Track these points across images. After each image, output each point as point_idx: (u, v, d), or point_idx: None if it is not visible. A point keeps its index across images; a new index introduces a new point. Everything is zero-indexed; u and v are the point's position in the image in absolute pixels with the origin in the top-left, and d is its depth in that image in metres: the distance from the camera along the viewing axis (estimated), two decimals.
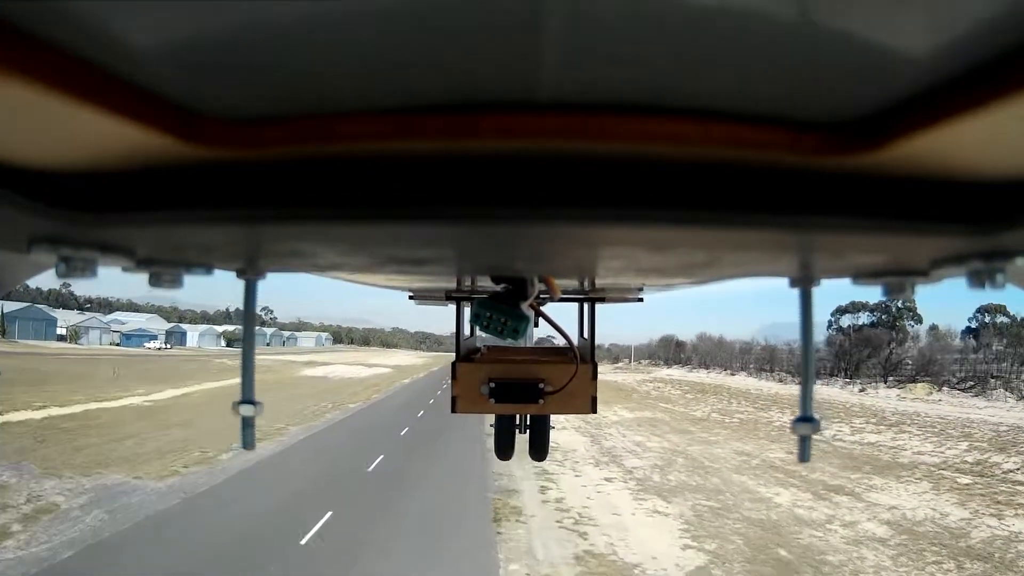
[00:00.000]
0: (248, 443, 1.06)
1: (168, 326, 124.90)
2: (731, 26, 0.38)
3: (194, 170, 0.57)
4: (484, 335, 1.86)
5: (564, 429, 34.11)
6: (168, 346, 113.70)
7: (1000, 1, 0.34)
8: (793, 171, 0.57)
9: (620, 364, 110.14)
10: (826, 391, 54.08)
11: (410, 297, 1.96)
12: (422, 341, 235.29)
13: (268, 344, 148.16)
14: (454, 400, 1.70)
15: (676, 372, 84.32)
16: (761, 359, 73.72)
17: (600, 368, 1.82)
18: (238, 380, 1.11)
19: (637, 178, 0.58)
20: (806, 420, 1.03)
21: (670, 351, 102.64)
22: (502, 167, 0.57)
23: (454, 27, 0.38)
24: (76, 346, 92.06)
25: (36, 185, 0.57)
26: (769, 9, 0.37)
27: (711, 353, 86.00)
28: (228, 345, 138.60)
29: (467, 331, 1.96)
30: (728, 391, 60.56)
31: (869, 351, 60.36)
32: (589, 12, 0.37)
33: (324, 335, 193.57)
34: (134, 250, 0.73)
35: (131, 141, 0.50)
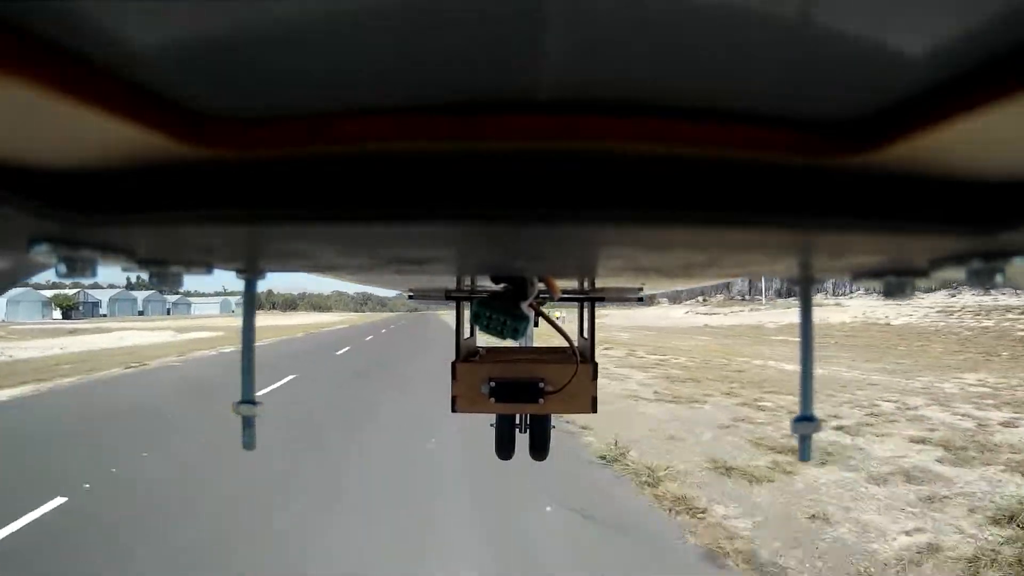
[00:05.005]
0: (248, 443, 1.07)
1: None
2: (732, 24, 0.38)
3: (194, 170, 0.56)
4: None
5: None
6: None
7: (1001, 0, 0.34)
8: (793, 171, 0.56)
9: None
10: None
11: (410, 297, 2.02)
12: (363, 303, 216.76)
13: (142, 312, 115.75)
14: (454, 399, 1.70)
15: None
16: None
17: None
18: None
19: (637, 178, 0.57)
20: (806, 419, 1.03)
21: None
22: (502, 166, 0.56)
23: (453, 23, 0.38)
24: None
25: (36, 185, 0.55)
26: (770, 8, 0.37)
27: None
28: (65, 316, 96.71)
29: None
30: None
31: None
32: (591, 10, 0.37)
33: (235, 299, 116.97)
34: (134, 250, 0.72)
35: (131, 141, 0.48)
